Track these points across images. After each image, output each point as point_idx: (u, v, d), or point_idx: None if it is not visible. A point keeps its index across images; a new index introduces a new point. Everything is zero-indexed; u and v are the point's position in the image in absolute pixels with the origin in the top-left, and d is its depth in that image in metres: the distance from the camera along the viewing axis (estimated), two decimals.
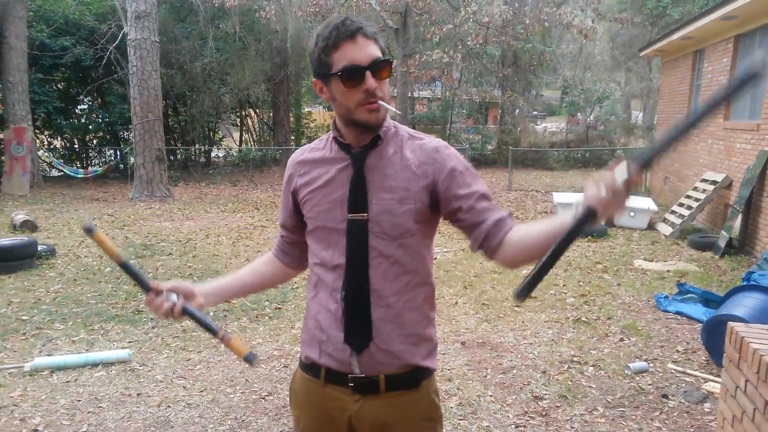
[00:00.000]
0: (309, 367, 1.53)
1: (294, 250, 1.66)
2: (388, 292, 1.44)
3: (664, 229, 8.70)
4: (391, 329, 1.44)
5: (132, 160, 13.38)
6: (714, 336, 3.95)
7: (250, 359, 1.41)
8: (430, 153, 1.46)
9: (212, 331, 1.44)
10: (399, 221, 1.42)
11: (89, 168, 16.29)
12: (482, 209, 1.44)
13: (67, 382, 3.77)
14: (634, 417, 3.38)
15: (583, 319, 5.00)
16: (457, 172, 1.44)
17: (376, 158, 1.45)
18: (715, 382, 3.72)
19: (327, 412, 1.51)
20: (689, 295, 5.33)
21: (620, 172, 1.13)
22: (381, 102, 1.38)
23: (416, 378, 1.49)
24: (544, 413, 3.41)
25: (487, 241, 1.43)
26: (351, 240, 1.43)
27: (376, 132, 1.44)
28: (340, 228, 1.44)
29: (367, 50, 1.36)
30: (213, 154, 19.91)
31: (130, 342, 4.46)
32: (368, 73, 1.35)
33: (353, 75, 1.36)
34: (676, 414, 3.41)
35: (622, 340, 4.56)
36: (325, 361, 1.48)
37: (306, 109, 24.08)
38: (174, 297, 1.44)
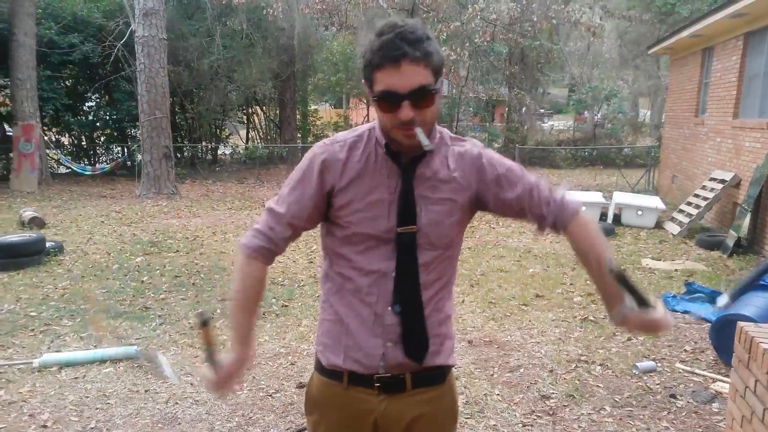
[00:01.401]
0: (330, 371, 1.50)
1: (286, 245, 1.50)
2: (424, 298, 1.44)
3: (672, 228, 8.65)
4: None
5: (139, 157, 13.42)
6: (722, 336, 3.93)
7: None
8: (474, 162, 1.45)
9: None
10: (446, 232, 1.43)
11: (97, 165, 16.37)
12: (539, 201, 1.46)
13: (76, 378, 3.79)
14: (641, 417, 3.36)
15: (591, 318, 4.98)
16: (503, 177, 1.45)
17: (424, 169, 1.42)
18: (724, 382, 3.70)
19: (350, 415, 1.49)
20: (697, 295, 5.31)
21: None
22: (417, 130, 1.32)
23: (442, 374, 1.51)
24: (551, 412, 3.40)
25: (554, 227, 1.48)
26: (401, 253, 1.41)
27: (416, 152, 1.40)
28: (386, 237, 1.41)
29: (410, 78, 1.27)
30: (220, 152, 19.94)
31: (137, 339, 4.47)
32: (406, 103, 1.29)
33: (389, 101, 1.31)
34: (684, 414, 3.39)
35: (629, 339, 4.54)
36: (350, 365, 1.45)
37: (313, 107, 24.10)
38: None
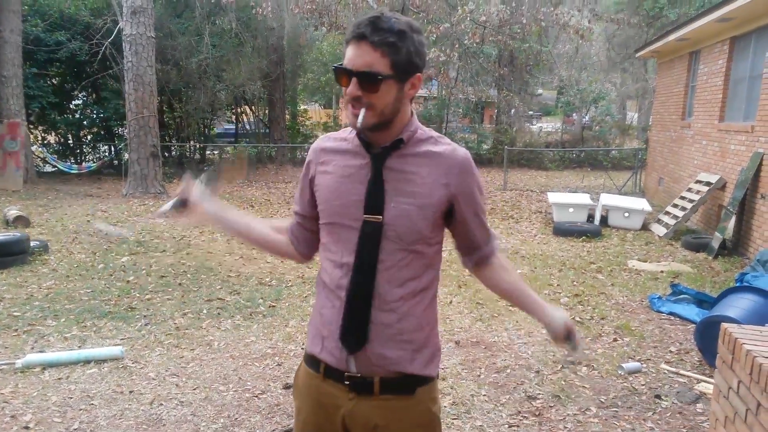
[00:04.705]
0: (311, 360, 1.54)
1: (305, 238, 1.62)
2: (392, 297, 1.44)
3: (658, 230, 8.72)
4: (391, 335, 1.44)
5: (126, 156, 13.31)
6: (707, 337, 3.97)
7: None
8: (458, 165, 1.46)
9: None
10: (416, 227, 1.43)
11: (83, 164, 16.20)
12: (481, 233, 1.57)
13: (59, 379, 3.75)
14: (626, 417, 3.38)
15: (577, 319, 5.00)
16: (476, 195, 1.50)
17: (397, 161, 1.44)
18: (708, 382, 3.73)
19: (324, 407, 1.52)
20: (682, 296, 5.35)
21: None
22: (361, 111, 1.36)
23: (411, 384, 1.48)
24: (537, 413, 3.41)
25: (476, 265, 1.63)
26: (363, 241, 1.43)
27: (385, 143, 1.44)
28: (354, 226, 1.43)
29: (362, 58, 1.34)
30: (208, 151, 19.83)
31: (122, 339, 4.43)
32: (354, 80, 1.35)
33: (339, 74, 1.38)
34: (668, 414, 3.42)
35: (615, 340, 4.57)
36: (325, 356, 1.49)
37: (302, 107, 24.04)
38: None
